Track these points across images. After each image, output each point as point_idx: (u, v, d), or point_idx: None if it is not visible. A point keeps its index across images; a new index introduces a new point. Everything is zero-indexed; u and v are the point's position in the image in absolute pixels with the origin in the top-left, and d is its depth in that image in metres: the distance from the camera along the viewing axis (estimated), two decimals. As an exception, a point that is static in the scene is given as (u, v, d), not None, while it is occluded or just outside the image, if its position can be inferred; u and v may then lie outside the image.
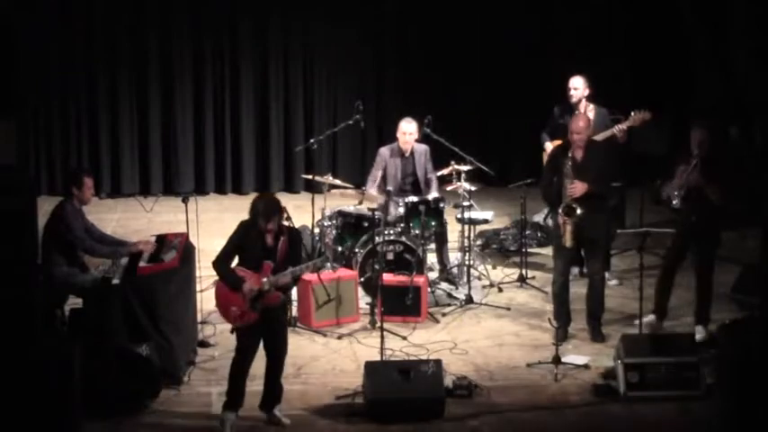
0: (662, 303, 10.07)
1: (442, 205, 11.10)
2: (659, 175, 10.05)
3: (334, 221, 11.05)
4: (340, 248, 10.95)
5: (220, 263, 8.38)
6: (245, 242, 8.34)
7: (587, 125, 9.85)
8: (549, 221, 11.96)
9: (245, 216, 8.47)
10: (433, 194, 11.16)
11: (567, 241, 9.72)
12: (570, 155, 9.67)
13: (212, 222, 12.54)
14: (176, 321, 9.09)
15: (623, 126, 10.94)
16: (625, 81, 14.77)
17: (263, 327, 8.35)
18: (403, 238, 10.74)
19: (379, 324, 9.47)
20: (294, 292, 10.44)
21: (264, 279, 8.25)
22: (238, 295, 8.25)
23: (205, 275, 10.71)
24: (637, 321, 9.75)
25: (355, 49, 15.19)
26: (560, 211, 9.62)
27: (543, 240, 12.48)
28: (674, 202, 9.66)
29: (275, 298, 8.29)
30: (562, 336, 9.79)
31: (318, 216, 11.23)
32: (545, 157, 11.37)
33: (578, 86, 11.21)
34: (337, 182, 11.38)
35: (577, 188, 9.58)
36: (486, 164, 11.61)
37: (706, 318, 9.98)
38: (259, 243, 8.30)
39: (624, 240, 11.30)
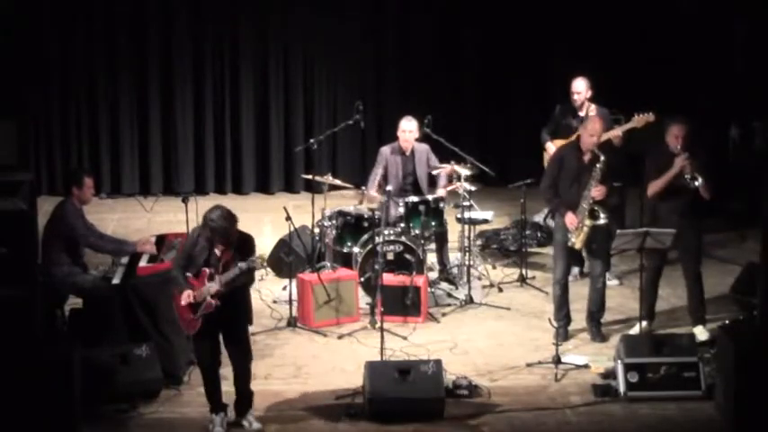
0: (650, 306, 10.01)
1: (442, 205, 11.10)
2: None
3: (334, 221, 11.05)
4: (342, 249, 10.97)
5: (174, 269, 8.37)
6: (194, 249, 8.29)
7: (603, 128, 9.87)
8: (549, 221, 11.98)
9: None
10: (439, 192, 11.17)
11: (579, 243, 9.71)
12: (588, 157, 9.65)
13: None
14: (176, 321, 9.06)
15: (618, 132, 10.92)
16: (626, 81, 14.74)
17: (218, 335, 8.33)
18: (403, 238, 10.74)
19: (379, 324, 9.47)
20: (294, 292, 10.46)
21: (203, 287, 8.22)
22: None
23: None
24: (636, 322, 9.77)
25: (355, 49, 15.19)
26: (584, 213, 9.60)
27: (543, 240, 12.47)
28: (696, 183, 9.60)
29: (208, 306, 8.21)
30: (562, 336, 9.80)
31: (318, 216, 11.23)
32: (545, 156, 11.37)
33: (581, 90, 11.21)
34: (337, 182, 11.38)
35: (601, 191, 9.60)
36: (486, 164, 11.62)
37: (702, 317, 9.97)
38: (205, 251, 8.26)
39: (623, 240, 11.26)
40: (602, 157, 9.60)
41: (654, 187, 9.74)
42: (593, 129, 9.71)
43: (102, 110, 14.86)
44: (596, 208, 9.60)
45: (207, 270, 8.23)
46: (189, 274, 8.29)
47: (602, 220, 9.59)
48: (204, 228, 8.19)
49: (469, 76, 15.21)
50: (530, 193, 11.37)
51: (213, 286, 8.18)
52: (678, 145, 9.63)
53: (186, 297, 8.20)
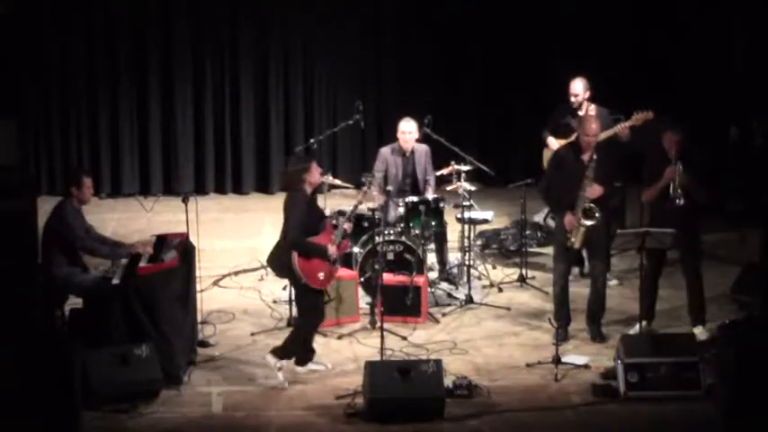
0: (649, 306, 10.01)
1: (442, 205, 11.10)
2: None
3: (334, 221, 11.02)
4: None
5: (302, 240, 8.93)
6: (308, 213, 8.94)
7: (600, 127, 9.88)
8: (549, 221, 11.98)
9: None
10: (429, 195, 11.17)
11: (577, 242, 9.72)
12: (587, 157, 9.67)
13: (212, 222, 12.55)
14: (176, 321, 9.09)
15: (626, 125, 10.93)
16: (627, 81, 14.74)
17: None
18: (403, 238, 10.74)
19: (379, 324, 9.47)
20: (293, 292, 10.44)
21: (332, 236, 9.06)
22: (323, 260, 8.99)
23: (205, 275, 10.73)
24: (636, 322, 9.77)
25: (355, 49, 15.19)
26: (578, 213, 9.61)
27: (543, 240, 12.47)
28: (678, 201, 9.65)
29: (345, 245, 9.40)
30: (562, 336, 9.80)
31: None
32: (546, 154, 11.37)
33: (578, 92, 11.21)
34: (337, 182, 11.38)
35: (596, 190, 9.61)
36: (485, 164, 11.62)
37: (702, 317, 9.98)
38: (313, 208, 9.09)
39: (624, 240, 11.32)
40: (595, 156, 9.62)
41: (647, 195, 9.83)
42: (589, 129, 9.71)
43: (102, 110, 14.86)
44: (590, 207, 9.60)
45: (329, 221, 9.18)
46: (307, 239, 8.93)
47: (596, 220, 9.59)
48: (301, 186, 8.90)
49: (469, 75, 15.21)
50: (530, 193, 11.37)
51: (344, 226, 9.19)
52: (672, 152, 9.65)
53: (334, 252, 9.06)
